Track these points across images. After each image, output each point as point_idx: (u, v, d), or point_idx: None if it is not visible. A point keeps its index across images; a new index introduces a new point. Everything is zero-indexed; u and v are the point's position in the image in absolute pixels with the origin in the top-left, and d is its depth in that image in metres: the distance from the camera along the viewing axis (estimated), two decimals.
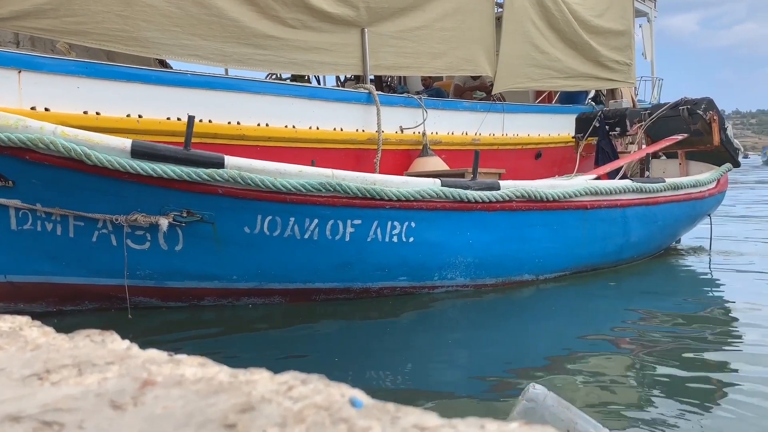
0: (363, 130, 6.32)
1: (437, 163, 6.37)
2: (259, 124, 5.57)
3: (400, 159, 6.59)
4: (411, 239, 3.54)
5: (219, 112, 5.37)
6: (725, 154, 5.21)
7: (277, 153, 5.60)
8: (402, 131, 6.67)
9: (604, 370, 2.58)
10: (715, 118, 5.03)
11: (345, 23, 6.03)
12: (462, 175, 4.45)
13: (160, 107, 5.02)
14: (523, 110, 7.83)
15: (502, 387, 2.35)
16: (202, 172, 3.11)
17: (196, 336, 3.15)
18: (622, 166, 5.20)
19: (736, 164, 5.34)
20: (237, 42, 5.51)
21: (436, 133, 6.91)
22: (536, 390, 1.78)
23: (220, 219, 3.25)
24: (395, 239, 3.50)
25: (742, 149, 5.51)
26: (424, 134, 6.70)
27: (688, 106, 5.12)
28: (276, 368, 2.33)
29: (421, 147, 6.68)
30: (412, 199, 3.46)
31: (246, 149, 5.44)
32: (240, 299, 3.51)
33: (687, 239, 5.79)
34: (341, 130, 6.09)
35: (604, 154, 5.54)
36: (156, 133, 4.91)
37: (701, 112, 5.03)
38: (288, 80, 7.60)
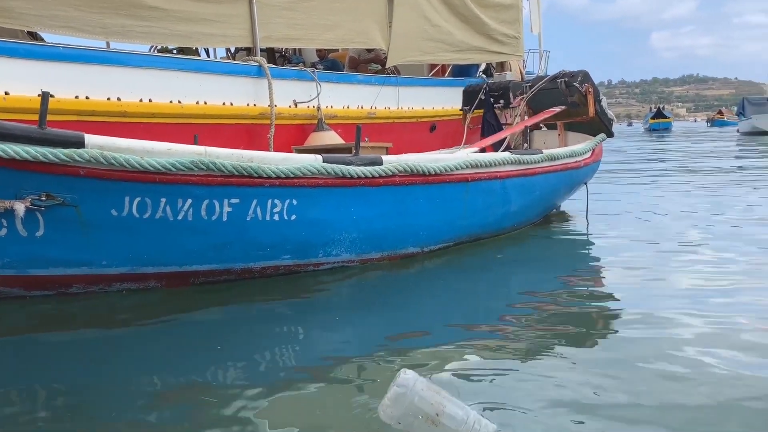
0: (254, 105, 6.06)
1: (333, 138, 6.23)
2: (141, 100, 5.20)
3: (295, 134, 6.39)
4: (293, 217, 3.40)
5: (97, 87, 4.96)
6: (600, 125, 5.37)
7: (162, 130, 5.26)
8: (296, 105, 6.46)
9: (484, 345, 2.55)
10: (590, 90, 5.16)
11: None
12: (350, 150, 4.34)
13: (31, 83, 4.57)
14: (417, 83, 7.79)
15: (381, 370, 2.28)
16: (60, 153, 2.83)
17: (60, 330, 2.90)
18: (505, 138, 5.25)
19: (610, 134, 5.53)
20: (116, 13, 5.09)
21: (331, 106, 6.74)
22: (407, 376, 1.77)
23: (84, 202, 2.99)
24: (276, 217, 3.35)
25: (615, 119, 5.71)
26: (318, 108, 6.51)
27: (566, 79, 5.22)
28: (141, 368, 2.11)
29: (316, 121, 6.51)
30: (293, 176, 3.30)
31: (128, 126, 5.08)
32: (111, 285, 3.26)
33: (565, 206, 5.97)
34: (231, 104, 5.81)
35: (490, 126, 5.59)
36: (26, 111, 4.47)
37: (577, 85, 5.15)
38: (175, 53, 7.17)
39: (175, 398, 2.10)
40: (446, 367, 2.30)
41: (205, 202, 3.14)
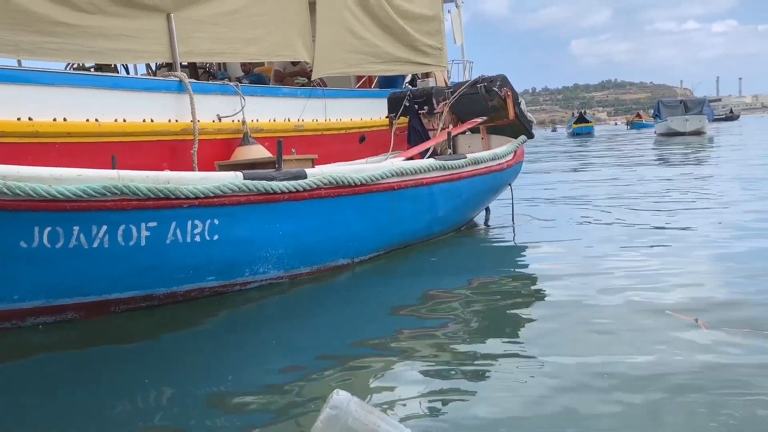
0: (176, 120, 5.88)
1: (259, 152, 6.11)
2: (55, 119, 4.95)
3: (220, 149, 6.23)
4: (216, 237, 3.28)
5: (6, 107, 4.70)
6: (520, 127, 5.47)
7: (79, 150, 5.03)
8: (220, 120, 6.32)
9: (417, 354, 2.51)
10: (509, 93, 5.25)
11: (147, 8, 5.51)
12: (274, 164, 4.25)
13: None
14: (344, 95, 7.76)
15: (316, 388, 2.21)
16: None
17: None
18: (428, 135, 5.28)
19: (530, 136, 5.64)
20: (25, 29, 4.84)
21: (257, 120, 6.62)
22: (339, 396, 1.71)
23: None
24: (198, 239, 3.23)
25: (535, 121, 5.83)
26: (243, 122, 6.39)
27: (485, 84, 5.30)
28: (58, 404, 1.92)
29: (241, 136, 6.39)
30: (212, 195, 3.19)
31: (41, 147, 4.83)
32: (26, 320, 3.06)
33: (492, 208, 6.04)
34: (152, 121, 5.61)
35: (416, 132, 5.61)
36: None
37: (497, 89, 5.23)
38: (93, 70, 6.88)
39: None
40: (380, 380, 2.27)
41: (122, 227, 2.98)
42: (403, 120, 6.12)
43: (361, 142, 7.69)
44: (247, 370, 2.51)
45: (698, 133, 28.37)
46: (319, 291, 3.64)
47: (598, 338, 2.53)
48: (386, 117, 6.14)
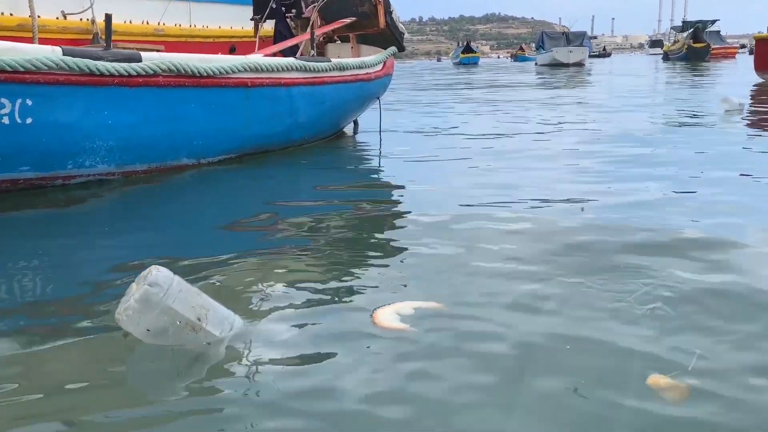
0: (11, 14, 5.19)
1: None
2: None
3: None
4: (29, 120, 2.86)
5: None
6: (391, 38, 5.27)
7: None
8: (65, 17, 5.65)
9: (265, 269, 2.12)
10: (380, 0, 5.01)
11: None
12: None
13: None
14: (213, 0, 7.20)
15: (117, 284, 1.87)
16: None
17: None
18: (298, 47, 4.97)
19: (401, 48, 5.45)
20: None
21: None
22: (160, 273, 1.41)
23: None
24: (6, 120, 2.80)
25: (407, 33, 5.64)
26: (93, 21, 5.77)
27: None
28: None
29: (91, 37, 5.76)
30: (23, 70, 2.76)
31: None
32: None
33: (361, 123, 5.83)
34: None
35: (282, 36, 5.25)
36: None
37: None
38: None
39: None
40: (214, 288, 1.88)
41: None
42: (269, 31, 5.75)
43: (231, 53, 7.20)
44: (61, 269, 2.17)
45: (580, 64, 29.26)
46: (155, 191, 3.28)
47: (476, 243, 2.28)
48: (251, 19, 5.73)
